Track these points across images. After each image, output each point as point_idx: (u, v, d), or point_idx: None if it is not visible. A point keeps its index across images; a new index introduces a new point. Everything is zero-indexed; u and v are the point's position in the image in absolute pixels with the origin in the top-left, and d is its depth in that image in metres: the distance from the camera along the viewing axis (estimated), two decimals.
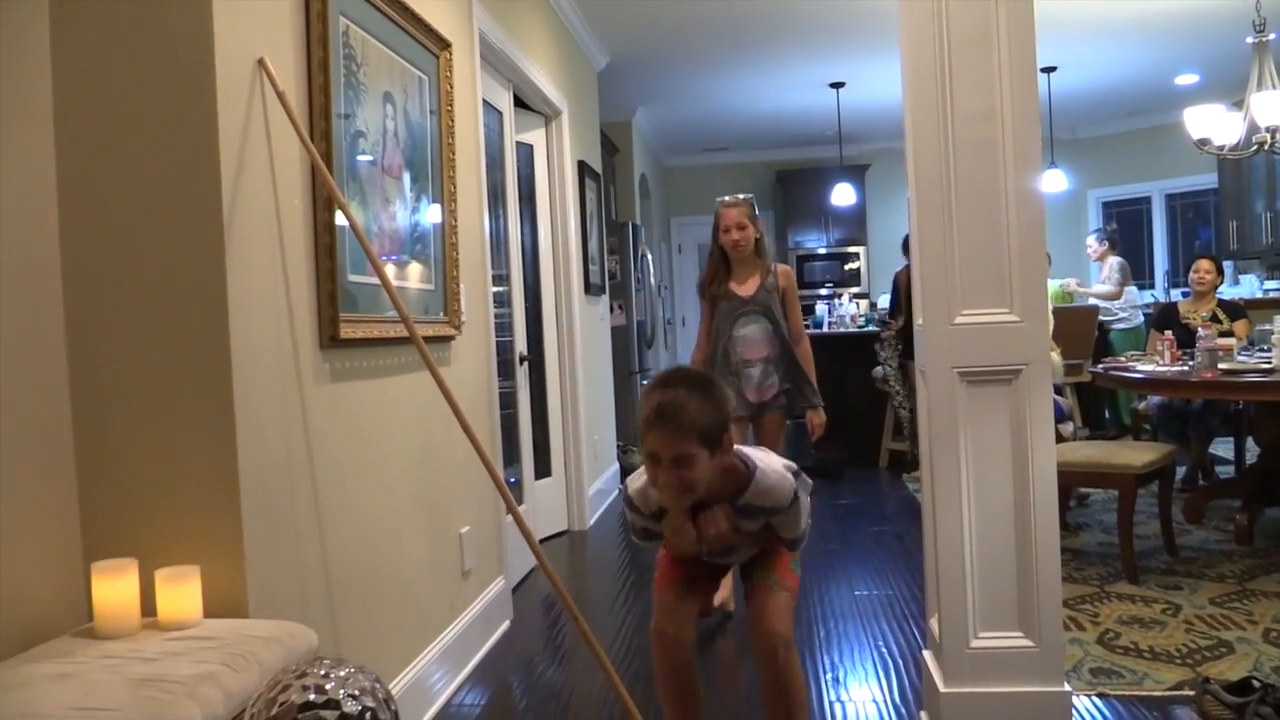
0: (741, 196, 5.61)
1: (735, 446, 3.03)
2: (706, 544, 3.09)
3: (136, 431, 2.88)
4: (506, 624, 5.29)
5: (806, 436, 5.85)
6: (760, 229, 5.60)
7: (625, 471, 9.09)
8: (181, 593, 2.83)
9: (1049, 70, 10.35)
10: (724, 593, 5.01)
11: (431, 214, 4.30)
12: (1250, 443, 7.82)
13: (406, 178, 4.03)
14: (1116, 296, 10.73)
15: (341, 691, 2.34)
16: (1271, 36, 7.35)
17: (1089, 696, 3.94)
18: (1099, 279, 10.92)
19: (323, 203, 3.30)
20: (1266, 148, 7.34)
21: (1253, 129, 7.39)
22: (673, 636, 3.14)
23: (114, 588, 2.76)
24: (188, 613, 2.84)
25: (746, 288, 5.56)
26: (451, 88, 4.53)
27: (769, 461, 3.09)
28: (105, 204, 2.86)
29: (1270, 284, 11.60)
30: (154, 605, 2.83)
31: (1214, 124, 7.62)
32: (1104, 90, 11.90)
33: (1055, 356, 5.66)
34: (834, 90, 11.15)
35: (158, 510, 2.90)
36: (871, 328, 9.62)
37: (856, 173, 14.10)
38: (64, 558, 2.88)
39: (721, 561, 3.31)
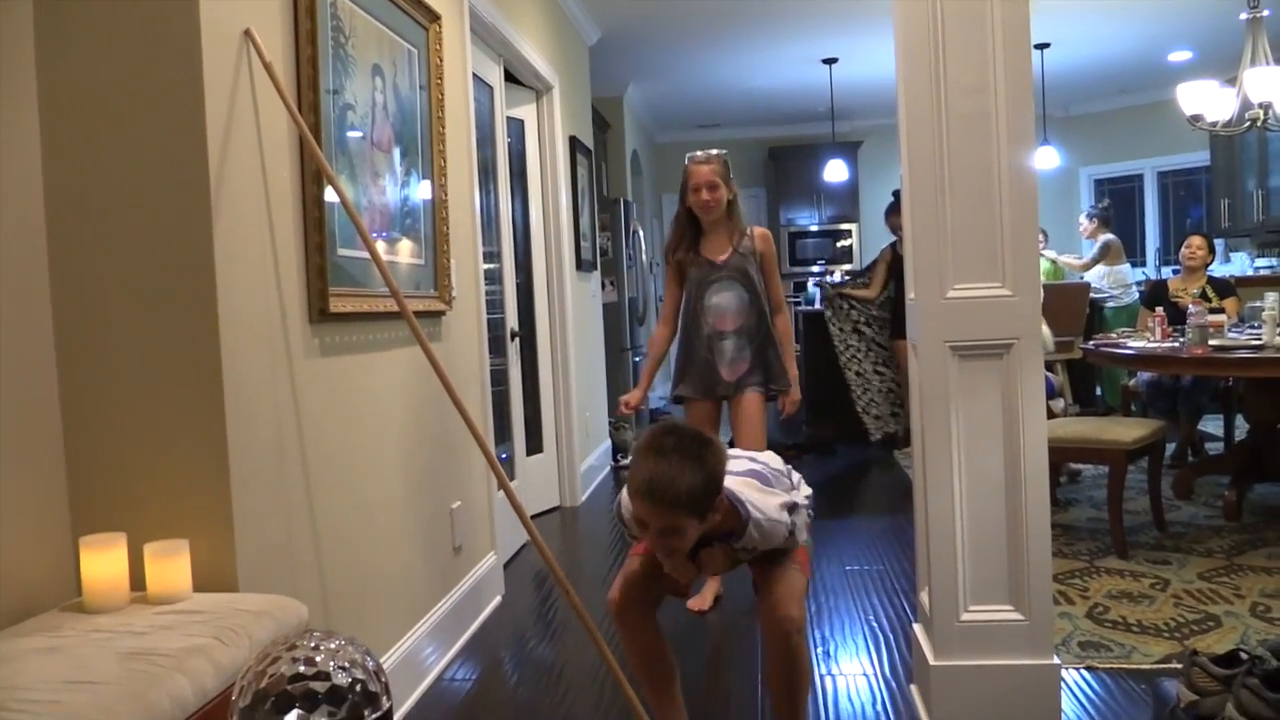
0: (714, 152, 5.12)
1: (728, 487, 2.98)
2: (706, 574, 3.16)
3: (125, 405, 2.87)
4: (498, 599, 5.29)
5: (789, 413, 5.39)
6: (734, 190, 5.12)
7: (616, 448, 9.09)
8: (170, 567, 2.82)
9: (1042, 47, 10.33)
10: (714, 587, 4.97)
11: (422, 189, 4.28)
12: (1239, 419, 7.83)
13: (396, 152, 4.01)
14: (1086, 268, 10.75)
15: (331, 663, 2.33)
16: (1265, 13, 7.33)
17: (1078, 669, 3.95)
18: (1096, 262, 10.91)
19: (311, 176, 3.28)
20: (1259, 124, 7.34)
21: (1245, 105, 7.39)
22: (624, 605, 3.15)
23: (102, 562, 2.75)
24: (177, 587, 2.83)
25: (719, 252, 5.10)
26: (441, 61, 4.50)
27: (764, 503, 3.03)
28: (91, 176, 2.83)
29: (1261, 262, 11.61)
30: (143, 580, 2.82)
31: (1207, 100, 7.62)
32: (1097, 67, 11.89)
33: (1044, 330, 5.65)
34: (827, 66, 11.12)
35: (146, 484, 2.89)
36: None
37: (849, 150, 14.08)
38: (52, 532, 2.87)
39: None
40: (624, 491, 3.08)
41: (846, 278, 10.19)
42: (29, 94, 2.83)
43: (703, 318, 5.08)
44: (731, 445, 3.94)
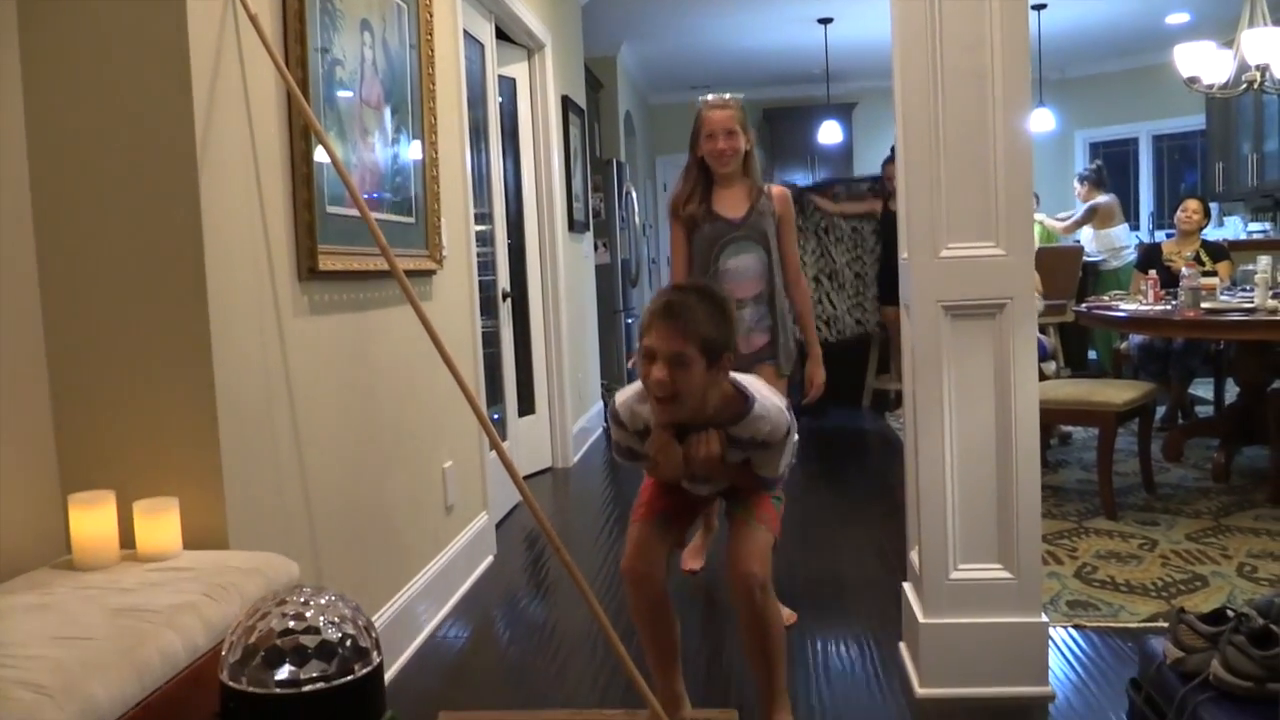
0: (729, 97, 4.54)
1: (733, 376, 3.00)
2: (694, 467, 3.03)
3: (113, 363, 2.86)
4: (490, 559, 5.30)
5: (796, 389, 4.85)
6: (751, 139, 4.54)
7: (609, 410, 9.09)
8: (160, 524, 2.82)
9: (1039, 7, 10.30)
10: (697, 560, 4.94)
11: (412, 148, 4.26)
12: (1229, 383, 7.86)
13: (386, 110, 3.99)
14: (1068, 231, 10.76)
15: (321, 619, 2.34)
16: None
17: (1065, 628, 3.98)
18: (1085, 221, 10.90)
19: (299, 132, 3.27)
20: (1256, 86, 7.32)
21: (1242, 68, 7.37)
22: (642, 573, 3.12)
23: (91, 519, 2.75)
24: (167, 544, 2.83)
25: (734, 209, 4.50)
26: (431, 17, 4.48)
27: (765, 393, 3.04)
28: (73, 132, 2.81)
29: (1254, 225, 11.61)
30: (133, 537, 2.82)
31: (1204, 62, 7.60)
32: (1094, 29, 11.85)
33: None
34: (822, 26, 11.08)
35: (135, 442, 2.89)
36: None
37: (844, 111, 14.05)
38: (41, 490, 2.87)
39: (697, 490, 3.26)
40: (618, 395, 3.15)
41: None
42: (10, 45, 2.81)
43: (719, 282, 4.32)
44: None
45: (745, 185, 4.52)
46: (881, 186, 9.06)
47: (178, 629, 2.41)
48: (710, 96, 4.54)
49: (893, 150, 8.40)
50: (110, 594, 2.60)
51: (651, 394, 2.92)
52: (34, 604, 2.52)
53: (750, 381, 3.06)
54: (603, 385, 9.33)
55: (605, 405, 9.08)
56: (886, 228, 8.15)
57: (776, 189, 4.62)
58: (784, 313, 4.54)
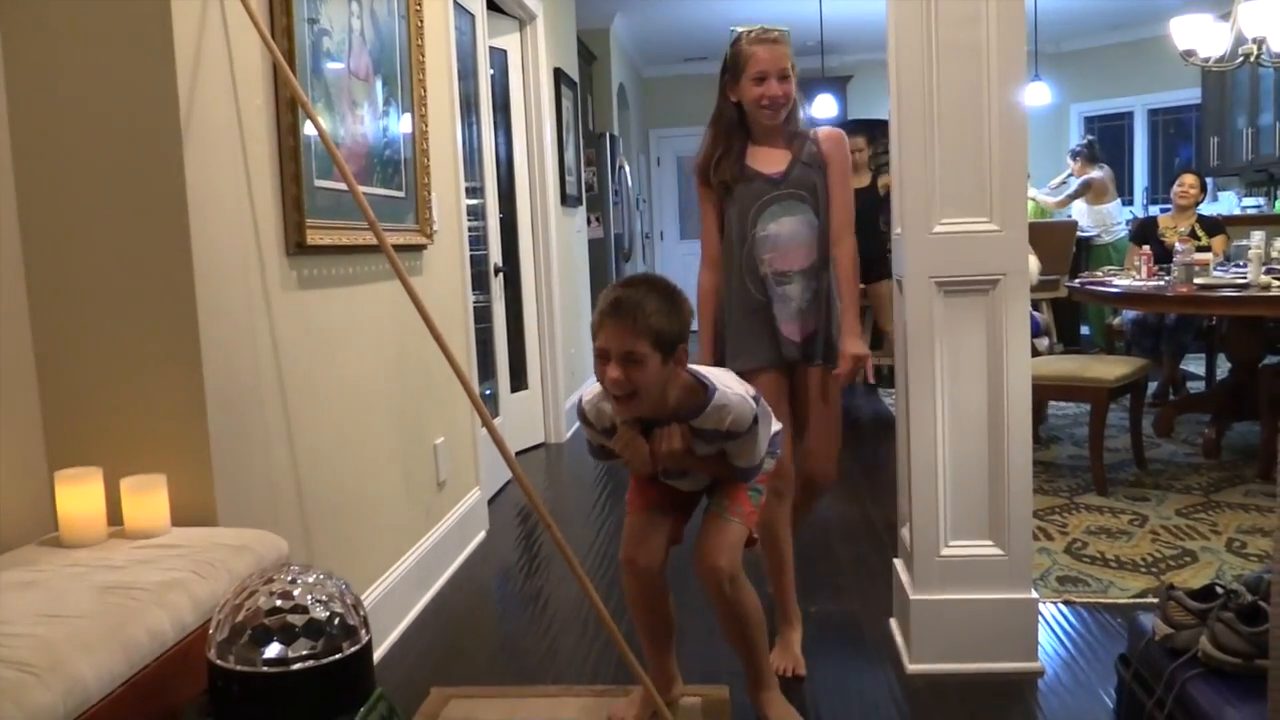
0: (777, 30, 3.70)
1: (692, 366, 2.96)
2: (660, 462, 2.99)
3: (99, 339, 2.85)
4: (482, 534, 5.30)
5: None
6: (798, 91, 3.71)
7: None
8: (148, 501, 2.81)
9: None
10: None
11: (402, 121, 4.23)
12: (1221, 359, 7.86)
13: (376, 82, 3.96)
14: (1061, 205, 10.75)
15: (309, 597, 2.34)
16: None
17: (1055, 604, 3.98)
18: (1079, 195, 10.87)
19: (286, 104, 3.24)
20: (1253, 60, 7.29)
21: (1239, 40, 7.34)
22: (642, 565, 3.10)
23: (79, 496, 2.75)
24: (155, 521, 2.82)
25: (774, 163, 3.67)
26: None
27: (728, 382, 2.99)
28: (56, 106, 2.79)
29: (1248, 201, 11.60)
30: (120, 514, 2.81)
31: (1200, 35, 7.57)
32: (1090, 2, 11.80)
33: (1032, 260, 5.62)
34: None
35: (123, 418, 2.88)
36: None
37: (839, 84, 13.97)
38: (27, 466, 2.87)
39: (676, 484, 3.22)
40: (583, 393, 3.11)
41: None
42: None
43: (756, 252, 3.65)
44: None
45: (787, 135, 3.70)
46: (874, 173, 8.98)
47: (166, 607, 2.40)
48: (750, 29, 3.70)
49: (854, 123, 8.32)
50: (97, 571, 2.59)
51: (609, 393, 2.89)
52: (21, 581, 2.51)
53: (713, 372, 3.01)
54: (596, 363, 9.28)
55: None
56: (861, 204, 8.11)
57: (824, 131, 3.76)
58: (828, 288, 3.70)
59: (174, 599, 2.46)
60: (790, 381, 3.71)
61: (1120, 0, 11.76)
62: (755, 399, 2.98)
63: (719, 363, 3.61)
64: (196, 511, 2.90)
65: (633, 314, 2.78)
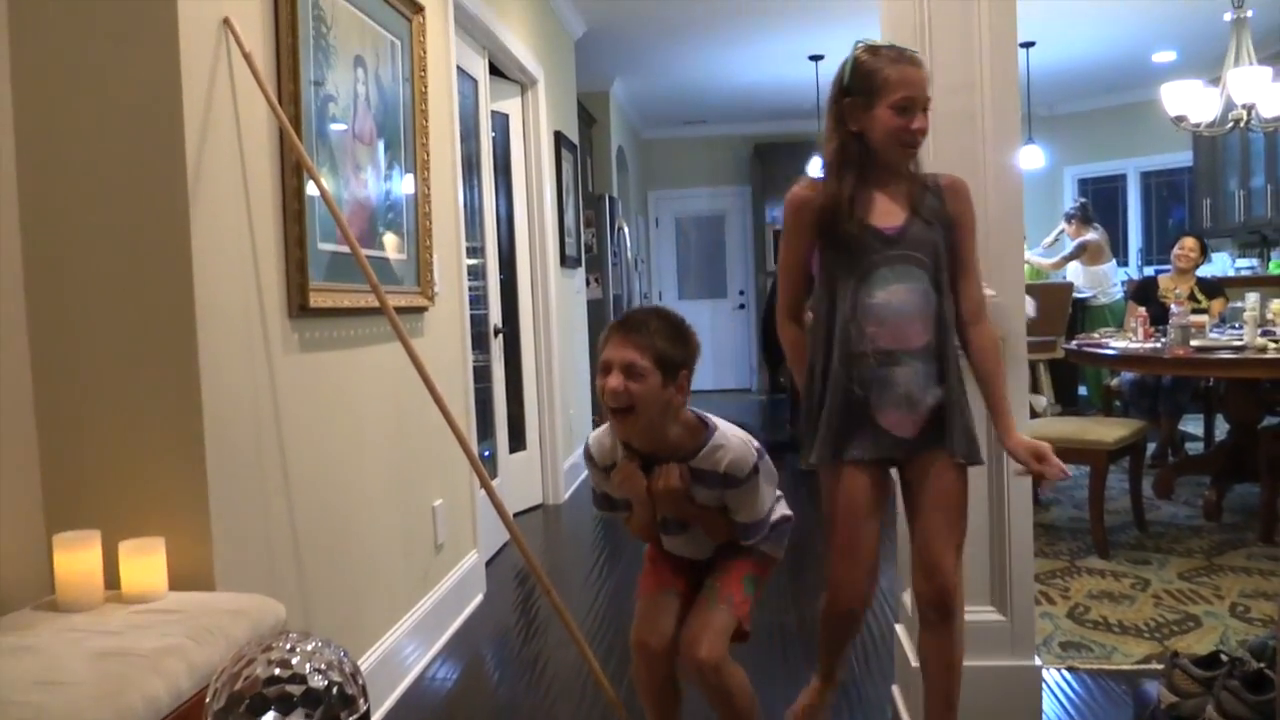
0: (916, 51, 3.01)
1: (699, 410, 2.94)
2: (657, 500, 2.93)
3: (100, 400, 2.84)
4: (480, 598, 5.25)
5: None
6: None
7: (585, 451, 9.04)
8: (146, 565, 2.78)
9: (1028, 45, 10.30)
10: None
11: (405, 183, 4.24)
12: (1220, 419, 7.85)
13: (379, 145, 3.97)
14: (1056, 267, 10.77)
15: (308, 666, 2.30)
16: (1249, 13, 7.33)
17: (1059, 670, 3.94)
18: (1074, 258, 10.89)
19: (291, 168, 3.25)
20: (1242, 125, 7.34)
21: (1229, 106, 7.39)
22: (653, 647, 3.01)
23: (76, 560, 2.72)
24: (152, 585, 2.79)
25: (892, 216, 2.92)
26: (425, 53, 4.46)
27: (729, 427, 2.96)
28: (66, 167, 2.80)
29: (1242, 262, 11.63)
30: (118, 578, 2.78)
31: (1191, 101, 7.62)
32: (1082, 66, 11.89)
33: (1029, 300, 5.60)
34: (813, 63, 11.08)
35: (122, 481, 2.85)
36: None
37: None
38: (25, 529, 2.83)
39: (680, 551, 3.15)
40: (591, 434, 3.07)
41: None
42: (2, 79, 2.78)
43: (862, 323, 2.90)
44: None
45: (907, 182, 2.97)
46: None
47: (162, 673, 2.37)
48: (883, 45, 2.96)
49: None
50: (94, 636, 2.56)
51: (606, 406, 2.84)
52: (16, 646, 2.48)
53: (714, 417, 2.98)
54: (594, 421, 9.28)
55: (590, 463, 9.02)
56: None
57: (947, 179, 3.02)
58: (959, 372, 2.97)
59: (170, 666, 2.43)
60: (889, 478, 3.09)
61: (1112, 65, 11.84)
62: (759, 450, 2.93)
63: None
64: (194, 575, 2.88)
65: (638, 329, 2.79)
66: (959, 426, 2.92)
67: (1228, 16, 7.40)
